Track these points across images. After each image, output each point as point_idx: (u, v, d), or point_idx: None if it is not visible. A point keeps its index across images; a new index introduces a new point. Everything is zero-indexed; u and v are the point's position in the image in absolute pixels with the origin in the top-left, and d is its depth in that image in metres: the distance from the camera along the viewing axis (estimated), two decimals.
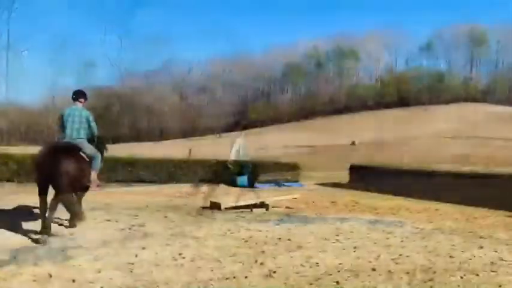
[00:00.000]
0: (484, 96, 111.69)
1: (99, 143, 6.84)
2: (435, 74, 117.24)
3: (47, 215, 5.50)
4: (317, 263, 4.82)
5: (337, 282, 4.13)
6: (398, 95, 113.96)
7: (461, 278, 4.43)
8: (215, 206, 9.08)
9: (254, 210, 9.12)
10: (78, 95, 6.50)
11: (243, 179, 16.22)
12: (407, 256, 5.32)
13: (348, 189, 16.33)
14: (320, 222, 7.92)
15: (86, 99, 6.55)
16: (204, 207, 9.27)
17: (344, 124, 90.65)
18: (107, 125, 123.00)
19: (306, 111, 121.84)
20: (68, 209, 5.83)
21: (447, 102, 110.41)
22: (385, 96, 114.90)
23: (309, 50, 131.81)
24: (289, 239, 6.16)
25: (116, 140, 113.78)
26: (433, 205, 11.69)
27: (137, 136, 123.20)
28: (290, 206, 10.06)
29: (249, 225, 7.29)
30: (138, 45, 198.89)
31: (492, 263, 5.13)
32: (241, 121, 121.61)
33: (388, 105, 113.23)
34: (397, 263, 4.94)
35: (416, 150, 41.52)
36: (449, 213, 9.97)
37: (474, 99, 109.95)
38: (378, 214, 9.43)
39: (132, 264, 4.49)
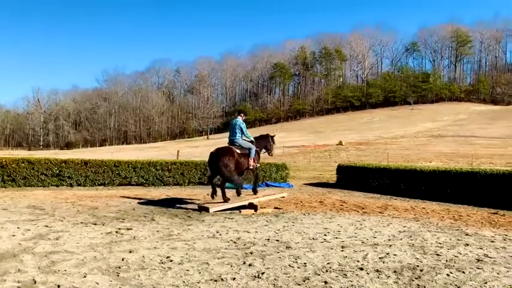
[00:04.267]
0: (468, 95, 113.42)
1: (266, 139, 10.57)
2: (420, 74, 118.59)
3: (222, 193, 9.28)
4: (305, 263, 4.83)
5: (325, 282, 4.14)
6: (384, 95, 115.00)
7: (448, 275, 4.48)
8: (203, 209, 9.04)
9: (243, 211, 9.11)
10: (239, 112, 10.35)
11: None
12: (394, 255, 5.36)
13: (335, 189, 16.41)
14: (308, 222, 7.94)
15: (245, 114, 10.42)
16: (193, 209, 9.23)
17: (331, 124, 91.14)
18: (93, 127, 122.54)
19: (294, 111, 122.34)
20: (222, 189, 9.30)
21: (432, 101, 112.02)
22: (372, 97, 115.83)
23: (296, 50, 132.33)
24: (277, 240, 6.16)
25: (103, 142, 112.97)
26: (419, 203, 11.82)
27: (124, 138, 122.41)
28: (278, 207, 10.08)
29: (238, 226, 7.28)
30: (125, 46, 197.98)
31: (478, 260, 5.20)
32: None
33: (374, 105, 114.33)
34: (384, 262, 4.97)
35: (403, 149, 41.94)
36: (435, 211, 10.08)
37: (458, 99, 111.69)
38: (365, 213, 9.50)
39: (119, 268, 4.45)
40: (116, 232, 6.40)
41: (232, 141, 9.72)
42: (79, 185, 14.28)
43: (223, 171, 9.11)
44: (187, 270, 4.44)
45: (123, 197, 11.63)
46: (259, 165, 10.15)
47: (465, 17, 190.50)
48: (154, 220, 7.71)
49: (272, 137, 10.79)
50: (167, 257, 4.94)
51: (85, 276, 4.11)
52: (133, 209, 9.10)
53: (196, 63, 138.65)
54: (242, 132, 9.77)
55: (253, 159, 9.75)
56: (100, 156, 27.84)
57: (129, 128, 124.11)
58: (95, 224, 7.05)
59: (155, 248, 5.44)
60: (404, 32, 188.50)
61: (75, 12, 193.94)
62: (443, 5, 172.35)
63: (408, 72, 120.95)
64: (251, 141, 9.95)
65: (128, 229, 6.68)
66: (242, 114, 10.13)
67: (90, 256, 4.89)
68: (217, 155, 9.25)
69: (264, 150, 10.63)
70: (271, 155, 11.17)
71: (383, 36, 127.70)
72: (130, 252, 5.15)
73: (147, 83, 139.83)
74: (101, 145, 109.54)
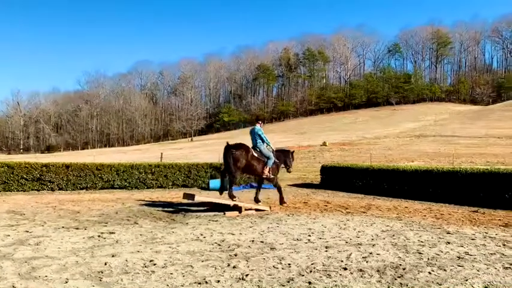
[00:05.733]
0: (448, 95, 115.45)
1: (286, 154, 10.78)
2: (402, 75, 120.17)
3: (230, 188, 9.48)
4: (289, 264, 4.84)
5: (309, 283, 4.15)
6: (367, 95, 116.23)
7: (430, 273, 4.54)
8: (189, 197, 9.23)
9: (227, 213, 9.09)
10: (256, 119, 10.50)
11: (216, 182, 16.12)
12: (377, 254, 5.41)
13: (319, 189, 16.50)
14: (293, 223, 7.97)
15: (263, 122, 10.13)
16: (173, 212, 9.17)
17: (315, 125, 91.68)
18: (75, 130, 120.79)
19: (278, 113, 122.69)
20: (229, 186, 9.48)
21: (414, 102, 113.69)
22: (355, 97, 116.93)
23: (280, 52, 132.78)
24: (262, 241, 6.17)
25: (85, 145, 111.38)
26: (402, 203, 11.96)
27: (107, 141, 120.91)
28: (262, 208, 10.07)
29: (222, 228, 7.26)
30: (107, 48, 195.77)
31: (459, 257, 5.29)
32: (214, 124, 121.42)
33: (357, 106, 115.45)
34: (367, 261, 5.02)
35: (385, 149, 42.42)
36: (418, 210, 10.22)
37: (439, 99, 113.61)
38: (349, 213, 9.57)
39: (102, 272, 4.39)
40: (99, 236, 6.32)
41: (254, 147, 9.94)
42: (60, 189, 14.07)
43: (230, 164, 9.25)
44: (171, 273, 4.41)
45: (106, 200, 11.49)
46: (273, 176, 10.13)
47: (445, 18, 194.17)
48: (137, 223, 7.64)
49: (292, 152, 10.98)
50: (150, 261, 4.90)
51: (67, 282, 4.05)
52: (116, 213, 9.01)
53: (179, 65, 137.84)
54: (262, 139, 9.97)
55: (269, 168, 9.90)
56: (82, 159, 27.47)
57: (111, 131, 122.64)
58: (77, 229, 6.95)
59: (138, 251, 5.39)
60: (386, 33, 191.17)
61: (56, 13, 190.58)
62: (423, 7, 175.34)
63: (390, 73, 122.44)
64: (272, 151, 10.14)
65: (111, 233, 6.60)
66: (260, 122, 10.36)
67: (71, 261, 4.81)
68: (231, 147, 9.41)
69: (282, 165, 10.76)
70: (290, 172, 11.46)
71: (365, 38, 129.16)
72: (113, 256, 5.09)
73: (129, 85, 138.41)
74: (83, 148, 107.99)
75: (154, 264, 4.75)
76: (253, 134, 10.04)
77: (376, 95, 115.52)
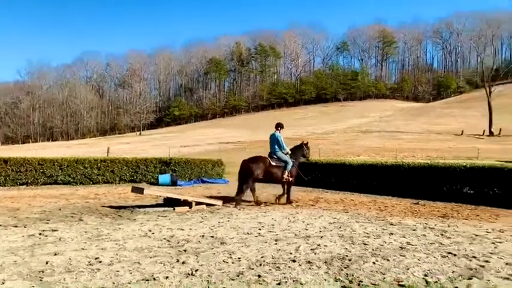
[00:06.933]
0: (392, 93, 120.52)
1: (301, 148, 10.86)
2: (350, 72, 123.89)
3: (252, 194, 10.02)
4: (239, 258, 4.84)
5: (259, 276, 4.17)
6: (317, 92, 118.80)
7: (374, 263, 4.71)
8: (137, 191, 9.10)
9: (177, 208, 8.94)
10: (277, 125, 10.53)
11: (165, 177, 15.85)
12: (325, 246, 5.54)
13: (269, 183, 16.63)
14: (243, 217, 8.00)
15: (282, 127, 10.54)
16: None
17: (266, 120, 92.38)
18: (15, 123, 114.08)
19: (230, 107, 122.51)
20: (252, 195, 10.04)
21: (360, 98, 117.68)
22: (305, 93, 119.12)
23: (232, 46, 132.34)
24: (212, 236, 6.13)
25: (26, 138, 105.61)
26: (348, 196, 12.34)
27: (50, 134, 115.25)
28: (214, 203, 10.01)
29: (172, 224, 7.14)
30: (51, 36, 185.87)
31: (401, 247, 5.52)
32: (164, 118, 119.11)
33: (307, 102, 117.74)
34: (315, 253, 5.12)
35: (333, 144, 43.60)
36: (363, 203, 10.59)
37: (384, 96, 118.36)
38: (298, 206, 9.75)
39: (43, 272, 4.17)
40: (40, 234, 6.02)
41: (271, 154, 10.19)
42: None
43: (245, 178, 9.71)
44: (118, 270, 4.27)
45: (48, 196, 10.97)
46: (292, 179, 10.28)
47: (390, 19, 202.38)
48: (82, 220, 7.35)
49: (306, 144, 11.16)
50: (96, 258, 4.72)
51: (3, 283, 3.81)
52: (59, 209, 8.62)
53: (127, 57, 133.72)
54: (280, 145, 10.19)
55: (288, 173, 10.09)
56: (22, 153, 26.00)
57: (55, 124, 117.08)
58: (16, 227, 6.58)
59: (83, 249, 5.18)
60: (335, 31, 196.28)
61: None
62: (370, 7, 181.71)
63: (338, 70, 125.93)
64: (289, 154, 10.31)
65: (53, 230, 6.30)
66: (279, 128, 10.47)
67: (9, 261, 4.54)
68: (248, 161, 9.93)
69: (302, 159, 11.01)
70: (309, 159, 11.76)
71: (315, 35, 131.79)
72: (55, 254, 4.86)
73: (74, 76, 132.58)
74: (23, 142, 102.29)
75: (100, 262, 4.58)
76: (273, 140, 10.25)
77: (325, 91, 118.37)
